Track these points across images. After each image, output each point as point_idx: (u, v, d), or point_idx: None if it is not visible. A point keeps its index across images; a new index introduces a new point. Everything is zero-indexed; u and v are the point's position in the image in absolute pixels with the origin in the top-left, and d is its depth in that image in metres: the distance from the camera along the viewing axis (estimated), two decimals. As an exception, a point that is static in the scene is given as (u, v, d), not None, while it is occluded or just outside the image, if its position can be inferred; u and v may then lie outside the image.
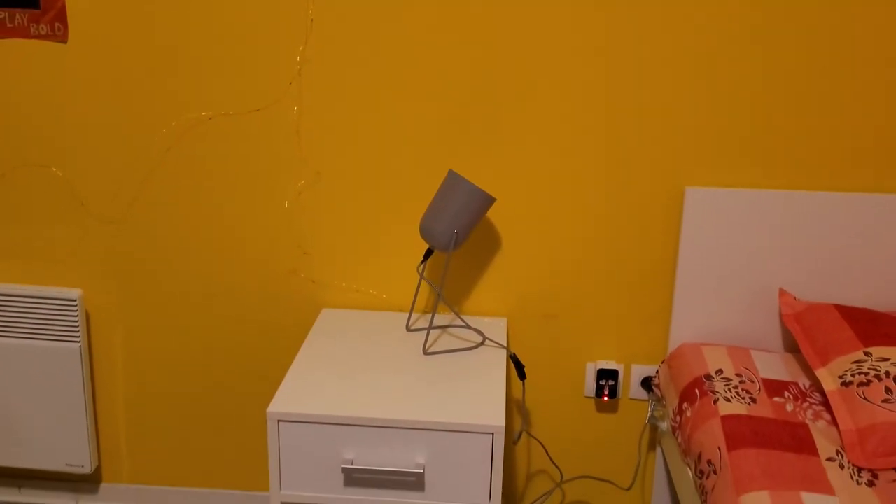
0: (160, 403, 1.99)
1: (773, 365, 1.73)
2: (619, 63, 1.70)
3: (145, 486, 2.06)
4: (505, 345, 1.73)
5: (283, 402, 1.48)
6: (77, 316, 1.87)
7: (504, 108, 1.74)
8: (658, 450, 1.92)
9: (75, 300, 1.86)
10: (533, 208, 1.81)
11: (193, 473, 2.04)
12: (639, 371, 1.89)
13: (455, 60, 1.72)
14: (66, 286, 1.91)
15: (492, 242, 1.83)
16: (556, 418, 1.93)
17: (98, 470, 2.06)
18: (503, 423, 1.44)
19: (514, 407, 1.93)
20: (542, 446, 1.93)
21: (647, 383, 1.89)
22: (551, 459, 1.95)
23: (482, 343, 1.73)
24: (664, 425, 1.80)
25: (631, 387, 1.90)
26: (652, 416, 1.84)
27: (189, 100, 1.77)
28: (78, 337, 1.88)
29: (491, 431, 1.44)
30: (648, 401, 1.88)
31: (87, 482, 2.07)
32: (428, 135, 1.77)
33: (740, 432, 1.48)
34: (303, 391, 1.52)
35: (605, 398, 1.88)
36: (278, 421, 1.46)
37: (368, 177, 1.81)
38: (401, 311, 1.89)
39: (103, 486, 2.07)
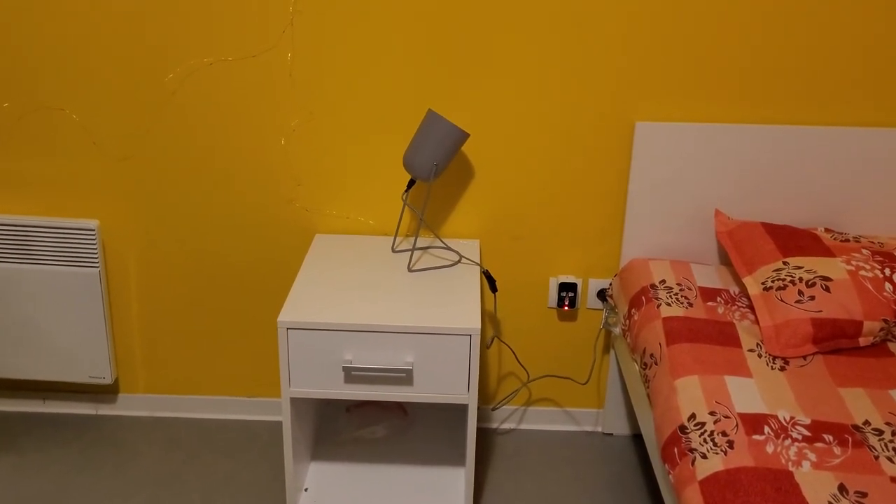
0: (171, 320, 2.23)
1: (709, 275, 2.01)
2: (572, 4, 1.92)
3: (159, 395, 2.32)
4: (479, 262, 1.99)
5: (291, 312, 1.73)
6: (95, 244, 2.08)
7: (475, 51, 1.96)
8: (611, 351, 2.21)
9: (93, 230, 2.07)
10: (502, 142, 2.04)
11: (204, 382, 2.30)
12: (595, 284, 2.16)
13: (432, 10, 1.93)
14: (84, 217, 2.12)
15: (466, 173, 2.07)
16: (523, 326, 2.20)
17: (116, 381, 2.31)
18: (479, 326, 1.70)
19: (487, 317, 2.20)
20: (512, 350, 2.22)
21: (601, 294, 2.17)
22: (519, 361, 2.23)
23: (459, 261, 1.99)
24: (616, 329, 2.08)
25: (588, 298, 2.18)
26: (606, 322, 2.12)
27: (191, 46, 1.97)
28: (97, 262, 2.10)
29: (468, 333, 1.71)
30: (603, 309, 2.16)
31: (107, 392, 2.32)
32: (409, 78, 1.99)
33: (678, 330, 1.76)
34: (306, 303, 1.77)
35: (566, 308, 2.15)
36: (287, 328, 1.71)
37: (356, 115, 2.03)
38: (386, 235, 2.13)
39: (121, 396, 2.32)
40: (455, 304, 1.79)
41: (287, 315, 1.72)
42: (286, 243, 2.15)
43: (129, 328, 2.24)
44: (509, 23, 1.93)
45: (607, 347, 2.23)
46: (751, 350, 1.71)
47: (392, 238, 2.10)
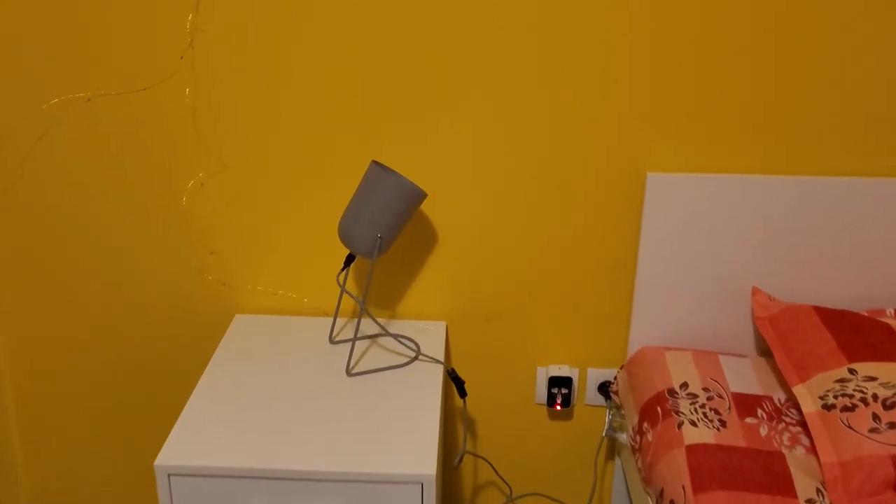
0: (57, 421, 1.76)
1: (744, 374, 1.53)
2: (568, 31, 1.44)
3: (50, 506, 1.85)
4: (443, 354, 1.51)
5: (175, 450, 1.26)
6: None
7: (435, 84, 1.48)
8: (616, 460, 1.74)
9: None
10: (471, 198, 1.57)
11: (97, 496, 1.83)
12: (595, 375, 1.69)
13: (379, 28, 1.45)
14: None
15: (427, 236, 1.60)
16: (503, 429, 1.73)
17: (-5, 492, 1.84)
18: (434, 470, 1.23)
19: (457, 418, 1.73)
20: (489, 463, 1.74)
21: (604, 389, 1.70)
22: (499, 475, 1.76)
23: (416, 358, 1.51)
24: (623, 437, 1.61)
25: (587, 392, 1.70)
26: (609, 428, 1.65)
27: (61, 77, 1.49)
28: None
29: (420, 482, 1.23)
30: (606, 408, 1.69)
31: (-16, 505, 1.85)
32: (348, 117, 1.51)
33: (708, 468, 1.29)
34: (199, 434, 1.29)
35: (559, 407, 1.67)
36: (168, 475, 1.24)
37: (280, 166, 1.55)
38: (325, 315, 1.66)
39: (3, 508, 1.85)
40: (406, 430, 1.31)
41: (169, 455, 1.25)
42: (199, 327, 1.67)
43: (7, 432, 1.76)
44: (486, 45, 1.45)
45: (611, 453, 1.75)
46: (810, 501, 1.24)
47: (331, 322, 1.62)
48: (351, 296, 1.44)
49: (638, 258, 1.58)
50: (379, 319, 1.65)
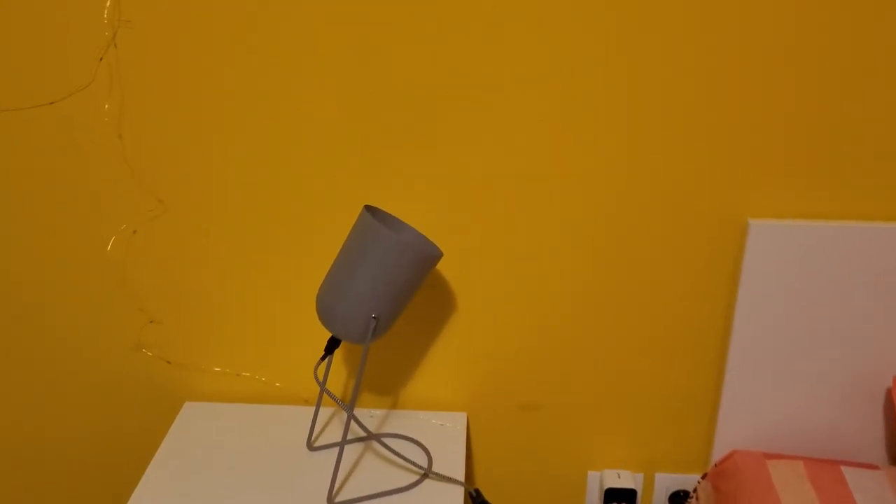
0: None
1: (881, 494, 1.11)
2: (647, 57, 1.02)
3: None
4: (462, 462, 1.10)
5: None
6: None
7: (451, 96, 1.06)
8: None
9: None
10: (498, 251, 1.14)
11: None
12: (665, 482, 1.27)
13: (379, 19, 1.03)
14: None
15: (437, 301, 1.18)
16: (542, 551, 1.31)
17: None
18: None
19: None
20: None
21: (677, 500, 1.27)
22: None
23: (425, 476, 1.09)
24: (706, 569, 1.19)
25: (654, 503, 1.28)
26: (687, 558, 1.23)
27: (-63, 88, 1.07)
28: None
29: None
30: (680, 528, 1.27)
31: None
32: (332, 143, 1.09)
33: None
34: None
35: (616, 525, 1.25)
36: None
37: (239, 208, 1.13)
38: (304, 403, 1.24)
39: None
40: None
41: None
42: (134, 418, 1.26)
43: None
44: (525, 53, 1.03)
45: (684, 581, 1.33)
46: None
47: (309, 418, 1.20)
48: (333, 398, 1.02)
49: (732, 329, 1.15)
50: (377, 411, 1.23)
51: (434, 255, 1.00)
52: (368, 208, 1.03)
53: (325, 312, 0.99)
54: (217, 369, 1.22)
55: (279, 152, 1.10)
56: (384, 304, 0.98)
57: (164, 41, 1.05)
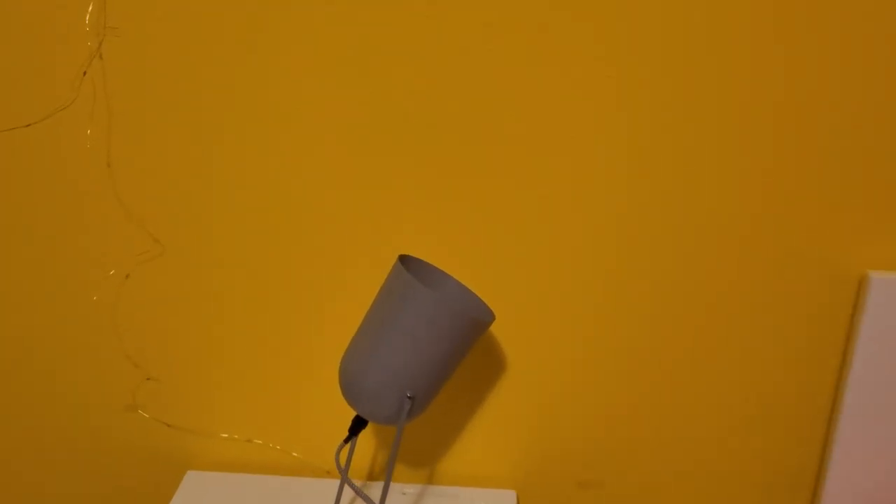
0: None
1: None
2: (750, 95, 0.82)
3: None
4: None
5: None
6: None
7: (518, 126, 0.87)
8: None
9: None
10: (560, 306, 0.95)
11: None
12: (752, 575, 1.07)
13: (405, 27, 0.84)
14: None
15: (485, 361, 0.99)
16: None
17: None
18: None
19: None
20: None
21: None
22: None
23: (469, 578, 0.91)
24: None
25: None
26: None
27: None
28: None
29: None
30: None
31: None
32: (357, 174, 0.91)
33: None
34: None
35: None
36: None
37: (248, 250, 0.95)
38: (326, 475, 1.06)
39: None
40: None
41: None
42: (127, 490, 1.09)
43: None
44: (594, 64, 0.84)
45: None
46: None
47: (331, 492, 1.01)
48: (358, 492, 0.83)
49: (843, 397, 0.95)
50: (411, 488, 1.04)
51: (484, 320, 0.81)
52: (403, 259, 0.84)
53: (350, 388, 0.81)
54: (224, 435, 1.05)
55: (297, 187, 0.92)
56: (421, 379, 0.79)
57: (158, 52, 0.87)
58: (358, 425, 0.84)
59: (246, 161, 0.91)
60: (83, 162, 0.92)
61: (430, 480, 1.05)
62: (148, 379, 1.03)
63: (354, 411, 0.86)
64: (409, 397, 0.79)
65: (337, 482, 1.02)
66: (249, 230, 0.94)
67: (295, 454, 1.05)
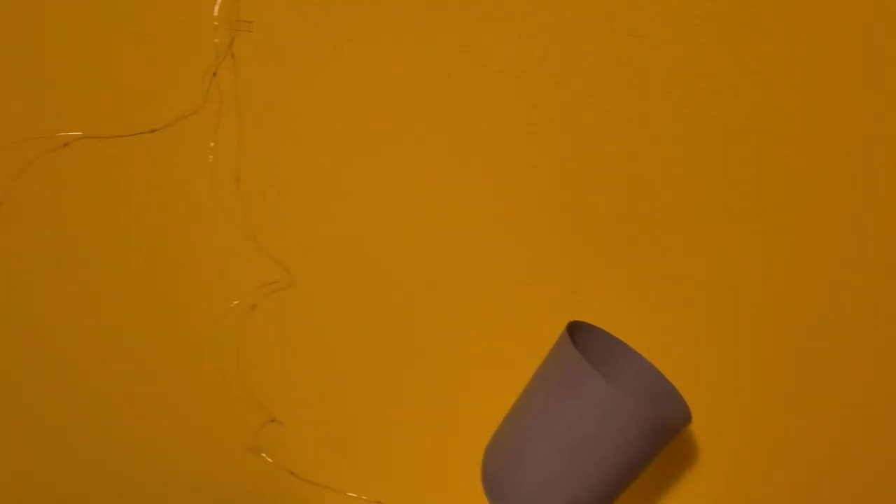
0: None
1: None
2: None
3: None
4: None
5: None
6: None
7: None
8: None
9: None
10: (767, 395, 0.73)
11: None
12: None
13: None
14: None
15: (670, 463, 0.79)
16: None
17: None
18: None
19: None
20: None
21: None
22: None
23: None
24: None
25: None
26: None
27: (16, 113, 0.82)
28: None
29: None
30: None
31: None
32: (519, 215, 0.73)
33: None
34: None
35: None
36: None
37: (393, 286, 0.80)
38: (465, 554, 0.90)
39: None
40: None
41: None
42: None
43: None
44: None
45: None
46: None
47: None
48: None
49: None
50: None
51: (675, 423, 0.61)
52: (574, 329, 0.66)
53: (494, 488, 0.64)
54: (352, 494, 0.91)
55: (458, 224, 0.75)
56: (588, 493, 0.61)
57: (298, 50, 0.72)
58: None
59: (399, 187, 0.75)
60: (209, 175, 0.80)
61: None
62: (272, 421, 0.90)
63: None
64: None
65: (477, 566, 0.85)
66: (397, 266, 0.79)
67: (430, 527, 0.89)
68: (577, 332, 0.67)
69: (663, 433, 0.59)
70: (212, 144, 0.76)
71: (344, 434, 0.88)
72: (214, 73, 0.76)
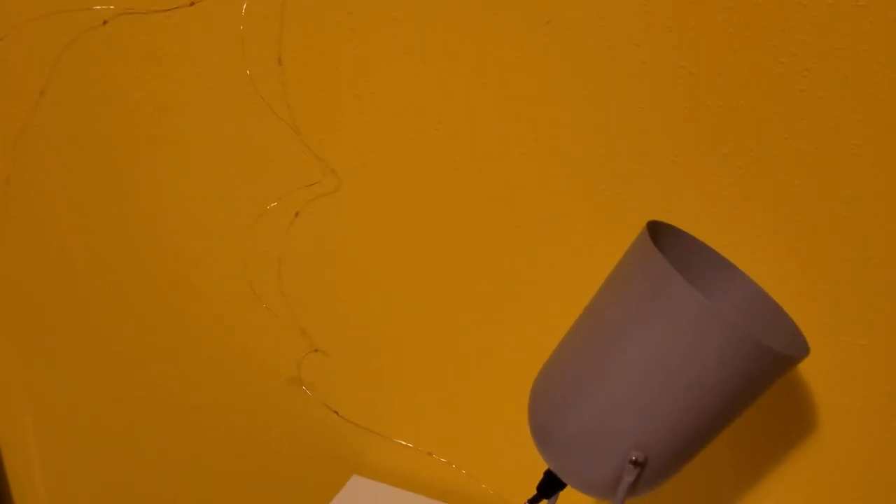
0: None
1: None
2: None
3: None
4: None
5: None
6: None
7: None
8: None
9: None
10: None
11: None
12: None
13: None
14: None
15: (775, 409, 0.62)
16: None
17: None
18: None
19: None
20: None
21: None
22: None
23: None
24: None
25: None
26: None
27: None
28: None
29: None
30: None
31: None
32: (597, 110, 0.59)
33: None
34: None
35: None
36: None
37: (449, 202, 0.67)
38: (523, 521, 0.76)
39: None
40: None
41: None
42: (285, 480, 0.87)
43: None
44: None
45: None
46: None
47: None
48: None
49: None
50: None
51: (790, 354, 0.45)
52: (654, 229, 0.51)
53: (540, 431, 0.50)
54: (400, 441, 0.79)
55: (510, 132, 0.62)
56: (661, 434, 0.46)
57: None
58: (550, 486, 0.53)
59: (465, 91, 0.63)
60: (249, 54, 0.69)
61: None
62: (315, 351, 0.79)
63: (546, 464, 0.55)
64: (636, 462, 0.46)
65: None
66: (456, 177, 0.66)
67: (484, 486, 0.76)
68: (660, 237, 0.52)
69: (771, 366, 0.44)
70: (243, 9, 0.66)
71: (394, 375, 0.76)
72: (256, -69, 0.65)
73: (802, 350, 0.49)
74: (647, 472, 0.47)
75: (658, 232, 0.52)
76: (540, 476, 0.73)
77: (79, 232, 0.84)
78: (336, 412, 0.81)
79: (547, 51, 0.59)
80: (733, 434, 0.64)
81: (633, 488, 0.48)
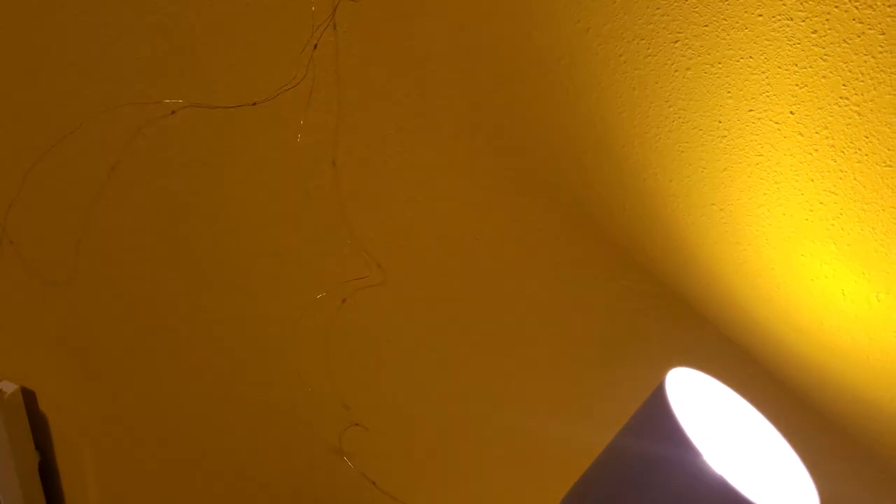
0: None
1: None
2: None
3: None
4: None
5: None
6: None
7: None
8: None
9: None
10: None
11: None
12: None
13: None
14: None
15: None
16: None
17: None
18: None
19: None
20: None
21: None
22: None
23: None
24: None
25: None
26: None
27: (126, 81, 0.79)
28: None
29: None
30: None
31: None
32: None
33: None
34: None
35: None
36: None
37: (485, 295, 0.71)
38: None
39: None
40: None
41: None
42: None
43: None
44: None
45: None
46: None
47: None
48: None
49: None
50: None
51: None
52: (665, 385, 0.53)
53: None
54: (433, 515, 0.83)
55: (551, 236, 0.65)
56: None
57: (404, 22, 0.64)
58: None
59: (506, 192, 0.66)
60: (305, 154, 0.74)
61: None
62: (356, 425, 0.84)
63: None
64: None
65: None
66: (493, 275, 0.69)
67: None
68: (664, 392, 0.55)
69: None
70: (301, 122, 0.70)
71: (428, 448, 0.80)
72: (315, 46, 0.69)
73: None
74: None
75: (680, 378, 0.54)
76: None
77: (142, 300, 0.90)
78: (374, 483, 0.85)
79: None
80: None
81: None
